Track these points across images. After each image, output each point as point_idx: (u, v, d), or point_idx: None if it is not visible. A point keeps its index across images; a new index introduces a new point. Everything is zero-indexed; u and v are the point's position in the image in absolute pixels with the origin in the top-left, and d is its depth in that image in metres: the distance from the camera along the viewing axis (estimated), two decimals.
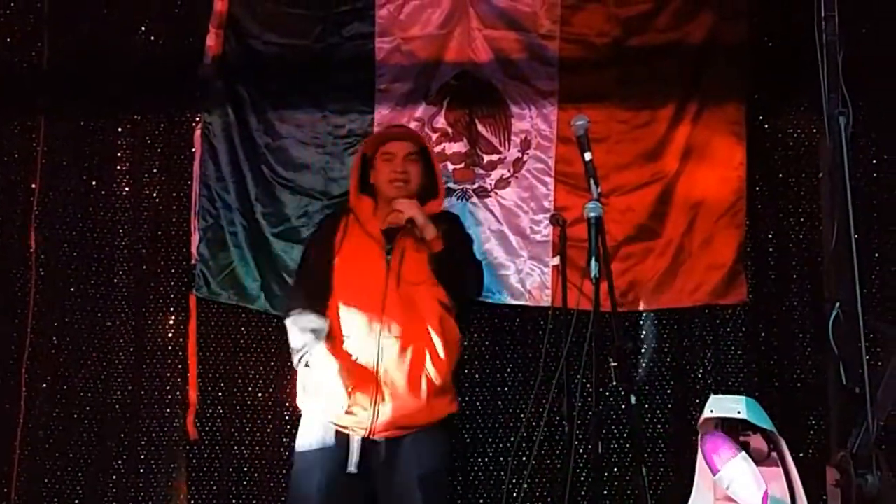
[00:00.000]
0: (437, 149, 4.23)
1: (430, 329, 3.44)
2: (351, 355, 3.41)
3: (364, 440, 3.36)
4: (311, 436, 3.47)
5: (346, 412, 3.36)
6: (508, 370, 4.19)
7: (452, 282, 3.53)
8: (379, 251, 3.50)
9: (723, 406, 3.44)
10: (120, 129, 4.38)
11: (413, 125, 4.23)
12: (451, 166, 4.23)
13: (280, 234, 4.20)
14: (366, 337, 3.40)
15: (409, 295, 3.44)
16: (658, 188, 4.17)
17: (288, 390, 4.13)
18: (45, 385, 4.26)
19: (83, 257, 4.32)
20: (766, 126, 4.22)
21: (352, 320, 3.44)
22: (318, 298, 3.48)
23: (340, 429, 3.39)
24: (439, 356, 3.43)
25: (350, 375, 3.36)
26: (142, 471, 4.21)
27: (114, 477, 4.21)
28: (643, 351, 4.16)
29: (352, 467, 3.34)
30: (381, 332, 3.38)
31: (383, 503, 3.43)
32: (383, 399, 3.35)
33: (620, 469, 4.07)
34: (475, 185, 4.23)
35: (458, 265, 3.61)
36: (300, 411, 3.63)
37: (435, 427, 3.46)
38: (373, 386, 3.35)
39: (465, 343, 4.17)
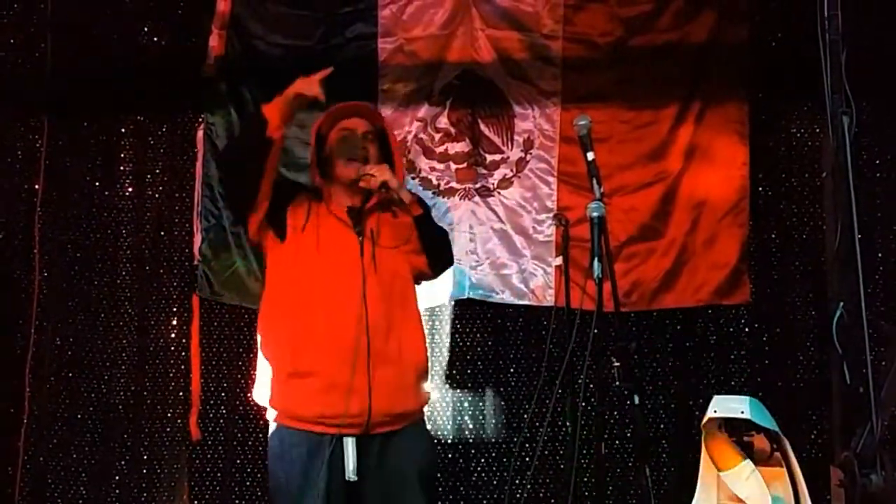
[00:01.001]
0: (440, 149, 4.24)
1: (410, 311, 3.27)
2: (332, 346, 3.13)
3: (358, 441, 3.09)
4: (292, 444, 3.14)
5: (337, 412, 3.08)
6: (511, 370, 4.19)
7: (435, 246, 3.34)
8: (350, 233, 3.22)
9: (726, 406, 3.44)
10: (123, 130, 4.40)
11: (416, 125, 4.24)
12: (453, 166, 4.23)
13: None
14: (351, 326, 3.11)
15: (387, 277, 3.21)
16: (661, 188, 4.17)
17: None
18: (48, 385, 4.27)
19: (86, 258, 4.34)
20: (769, 126, 4.22)
21: (332, 311, 3.15)
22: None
23: (327, 432, 3.10)
24: (420, 337, 3.27)
25: (331, 368, 3.10)
26: (145, 471, 4.22)
27: (117, 477, 4.22)
28: (646, 351, 4.16)
29: (351, 474, 3.07)
30: (366, 322, 3.11)
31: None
32: (377, 391, 3.08)
33: (624, 469, 4.07)
34: (478, 185, 4.23)
35: (439, 228, 3.43)
36: None
37: (419, 420, 3.28)
38: (365, 374, 3.09)
39: (469, 339, 4.20)
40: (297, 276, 3.20)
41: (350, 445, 3.08)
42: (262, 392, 3.24)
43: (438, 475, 3.57)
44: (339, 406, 3.06)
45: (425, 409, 3.34)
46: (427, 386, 3.31)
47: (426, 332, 3.45)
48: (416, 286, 3.36)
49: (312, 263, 3.19)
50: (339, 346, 3.10)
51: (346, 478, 3.07)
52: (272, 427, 3.20)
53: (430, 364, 3.33)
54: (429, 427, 3.46)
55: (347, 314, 3.12)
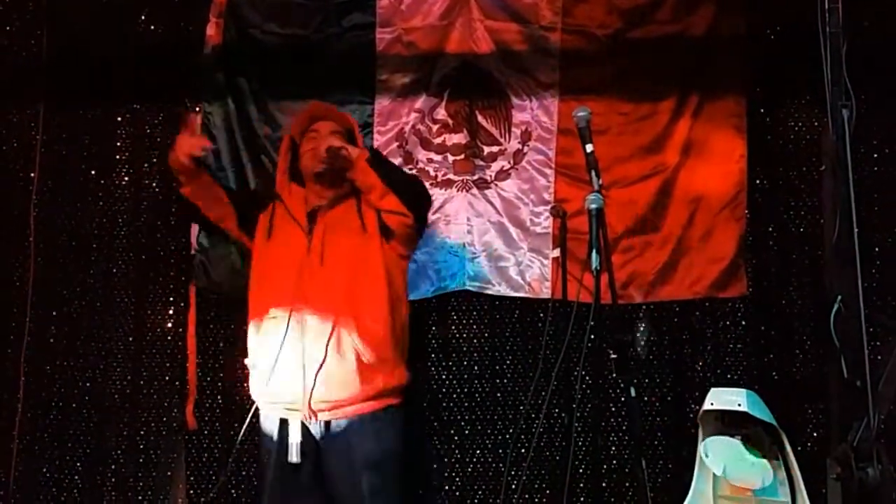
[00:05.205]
0: (437, 140, 4.23)
1: (360, 301, 3.30)
2: (274, 337, 3.32)
3: (304, 426, 3.27)
4: (263, 426, 3.41)
5: (279, 395, 3.30)
6: (508, 362, 4.19)
7: (397, 178, 3.43)
8: (301, 234, 3.39)
9: (723, 399, 3.46)
10: (119, 119, 4.38)
11: (413, 116, 4.23)
12: (451, 157, 4.23)
13: None
14: (287, 318, 3.29)
15: (334, 269, 3.32)
16: (659, 181, 4.17)
17: None
18: (44, 375, 4.26)
19: (82, 247, 4.32)
20: (767, 119, 4.22)
21: (274, 304, 3.36)
22: None
23: (282, 415, 3.32)
24: (371, 329, 3.29)
25: (273, 354, 3.32)
26: (141, 460, 4.21)
27: (113, 466, 4.21)
28: (643, 343, 4.15)
29: (293, 457, 3.24)
30: (303, 312, 3.28)
31: (330, 491, 3.30)
32: (312, 378, 3.24)
33: (619, 461, 4.07)
34: (475, 177, 4.22)
35: (395, 165, 3.57)
36: None
37: (381, 410, 3.31)
38: (298, 363, 3.26)
39: (465, 332, 4.19)
40: (257, 275, 3.48)
41: (295, 428, 3.27)
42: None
43: (399, 463, 3.44)
44: (277, 391, 3.30)
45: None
46: (385, 372, 3.32)
47: (407, 323, 3.49)
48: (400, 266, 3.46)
49: (267, 262, 3.45)
50: (276, 339, 3.31)
51: (289, 460, 3.25)
52: None
53: (392, 355, 3.36)
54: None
55: (284, 308, 3.31)
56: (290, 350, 3.28)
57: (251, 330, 3.46)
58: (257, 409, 3.45)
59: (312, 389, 3.24)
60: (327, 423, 3.28)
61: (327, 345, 3.25)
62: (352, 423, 3.28)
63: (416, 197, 3.45)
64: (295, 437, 3.26)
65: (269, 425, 3.37)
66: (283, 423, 3.31)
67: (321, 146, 3.43)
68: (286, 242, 3.42)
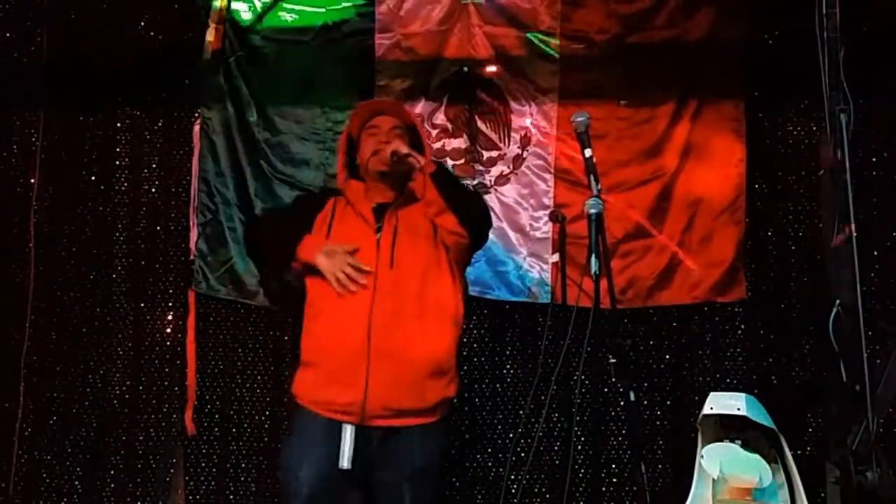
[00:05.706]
0: (437, 145, 4.24)
1: (429, 308, 3.20)
2: (339, 337, 3.18)
3: (357, 431, 3.12)
4: (301, 426, 3.24)
5: (335, 397, 3.15)
6: (508, 366, 4.19)
7: (459, 198, 3.29)
8: (369, 231, 3.26)
9: (722, 403, 3.45)
10: (119, 124, 4.39)
11: None
12: (450, 162, 4.23)
13: None
14: (355, 319, 3.15)
15: (405, 272, 3.20)
16: (658, 185, 4.17)
17: (285, 386, 4.12)
18: (44, 380, 4.27)
19: (82, 252, 4.33)
20: (766, 123, 4.22)
21: (337, 303, 3.20)
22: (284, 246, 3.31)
23: (332, 418, 3.15)
24: (436, 336, 3.20)
25: (335, 355, 3.17)
26: (140, 465, 4.21)
27: (112, 472, 4.22)
28: (642, 348, 4.16)
29: (344, 462, 3.09)
30: (371, 314, 3.13)
31: (375, 499, 3.19)
32: (373, 379, 3.10)
33: (619, 465, 4.08)
34: (475, 182, 4.23)
35: (459, 182, 3.42)
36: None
37: (433, 422, 3.20)
38: (362, 366, 3.11)
39: (465, 336, 4.19)
40: (317, 274, 3.26)
41: (348, 432, 3.11)
42: None
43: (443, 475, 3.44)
44: (334, 394, 3.13)
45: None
46: (444, 383, 3.22)
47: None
48: (460, 273, 3.36)
49: None
50: (340, 340, 3.14)
51: (340, 466, 3.09)
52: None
53: (452, 366, 3.25)
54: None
55: (353, 308, 3.15)
56: (354, 353, 3.13)
57: (307, 326, 3.28)
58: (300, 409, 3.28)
59: (374, 396, 3.10)
60: (383, 431, 3.14)
61: (393, 350, 3.13)
62: (405, 432, 3.15)
63: (475, 218, 3.33)
64: (348, 443, 3.11)
65: (318, 428, 3.18)
66: (334, 427, 3.14)
67: (386, 149, 3.28)
68: (350, 240, 3.27)
